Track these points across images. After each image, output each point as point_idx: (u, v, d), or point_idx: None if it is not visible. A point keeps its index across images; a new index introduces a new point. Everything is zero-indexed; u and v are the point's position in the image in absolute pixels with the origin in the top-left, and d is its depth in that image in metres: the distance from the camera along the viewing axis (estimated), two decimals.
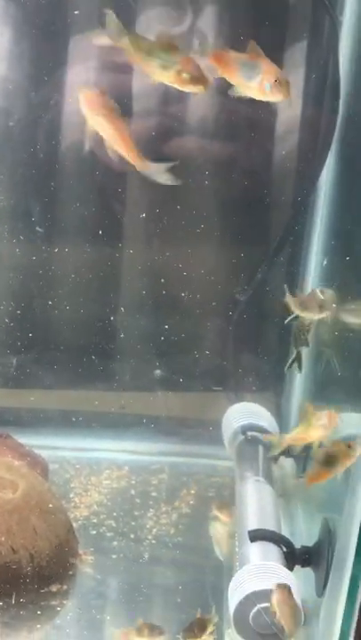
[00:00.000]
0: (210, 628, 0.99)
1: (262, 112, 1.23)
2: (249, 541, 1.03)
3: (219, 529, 1.21)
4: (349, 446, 0.92)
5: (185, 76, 0.83)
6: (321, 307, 1.01)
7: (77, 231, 1.32)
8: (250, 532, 1.04)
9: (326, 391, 1.24)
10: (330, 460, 0.94)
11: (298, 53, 1.20)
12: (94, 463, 1.34)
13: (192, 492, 1.28)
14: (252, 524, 1.06)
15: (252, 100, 0.87)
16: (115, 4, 1.17)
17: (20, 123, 1.26)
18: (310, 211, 1.28)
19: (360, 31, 1.12)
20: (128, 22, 1.18)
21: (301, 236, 1.30)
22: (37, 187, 1.29)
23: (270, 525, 1.06)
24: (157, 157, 1.23)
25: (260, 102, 0.87)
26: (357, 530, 0.91)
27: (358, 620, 0.94)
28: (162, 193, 1.26)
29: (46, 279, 1.33)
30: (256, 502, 1.12)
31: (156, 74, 0.85)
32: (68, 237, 1.32)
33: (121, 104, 1.19)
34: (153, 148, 1.23)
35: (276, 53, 1.19)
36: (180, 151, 1.25)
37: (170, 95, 1.23)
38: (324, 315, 1.02)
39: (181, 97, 1.23)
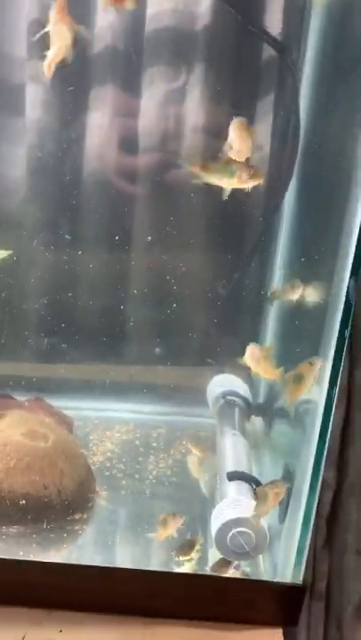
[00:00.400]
0: (197, 547, 1.02)
1: None
2: (227, 480, 1.05)
3: (194, 460, 1.23)
4: (311, 363, 0.94)
5: (245, 176, 0.90)
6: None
7: (96, 239, 1.33)
8: (228, 474, 1.06)
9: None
10: (298, 378, 0.96)
11: (267, 104, 1.22)
12: (108, 420, 1.36)
13: (184, 442, 1.29)
14: (230, 467, 1.09)
15: None
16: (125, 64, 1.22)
17: (50, 155, 1.28)
18: (277, 223, 1.29)
19: (316, 84, 1.13)
20: (134, 76, 1.24)
21: (270, 242, 1.32)
22: (64, 205, 1.30)
23: (244, 468, 1.09)
24: (158, 184, 1.28)
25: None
26: (311, 469, 0.94)
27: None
28: (161, 211, 1.29)
29: (71, 277, 1.34)
30: (233, 451, 1.14)
31: (226, 183, 0.92)
32: (88, 244, 1.33)
33: (130, 141, 1.24)
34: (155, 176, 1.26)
35: (249, 103, 1.23)
36: (176, 178, 1.26)
37: (168, 135, 1.25)
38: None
39: (178, 136, 1.25)
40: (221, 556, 1.00)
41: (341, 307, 0.85)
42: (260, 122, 1.22)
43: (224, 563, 1.00)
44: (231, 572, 1.00)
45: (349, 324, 0.85)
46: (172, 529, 1.02)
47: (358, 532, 1.22)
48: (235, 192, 0.95)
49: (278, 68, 1.17)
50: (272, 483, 0.98)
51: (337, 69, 1.06)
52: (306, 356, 0.95)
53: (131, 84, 1.23)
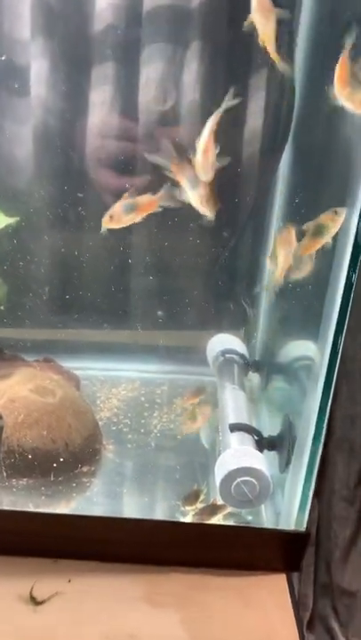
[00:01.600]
0: (201, 497, 0.89)
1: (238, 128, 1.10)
2: (229, 432, 0.91)
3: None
4: (336, 212, 0.75)
5: None
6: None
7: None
8: (230, 425, 0.91)
9: (282, 326, 1.11)
10: (319, 230, 0.77)
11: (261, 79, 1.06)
12: (114, 379, 1.21)
13: (185, 398, 1.14)
14: (231, 418, 0.94)
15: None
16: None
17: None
18: (271, 193, 1.14)
19: (313, 50, 0.97)
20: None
21: (264, 211, 1.16)
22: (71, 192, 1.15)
23: (245, 420, 0.94)
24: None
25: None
26: (316, 418, 0.80)
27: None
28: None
29: (87, 256, 1.19)
30: (233, 403, 0.99)
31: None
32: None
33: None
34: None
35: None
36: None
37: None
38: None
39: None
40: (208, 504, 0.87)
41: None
42: (256, 89, 1.06)
43: (212, 509, 0.87)
44: (233, 522, 0.87)
45: (357, 267, 0.69)
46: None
47: (345, 482, 1.11)
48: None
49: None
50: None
51: (332, 35, 0.90)
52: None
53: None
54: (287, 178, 1.08)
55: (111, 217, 0.88)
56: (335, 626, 1.14)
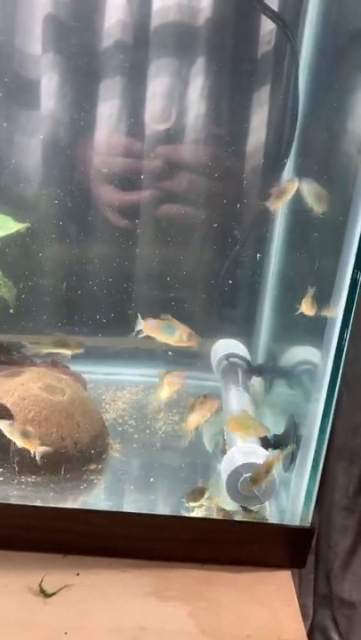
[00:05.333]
0: (207, 494, 0.89)
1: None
2: None
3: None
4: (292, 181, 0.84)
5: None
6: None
7: (109, 234, 1.20)
8: None
9: (285, 332, 1.12)
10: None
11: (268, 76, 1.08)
12: (119, 383, 1.21)
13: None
14: None
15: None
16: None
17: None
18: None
19: (315, 61, 0.99)
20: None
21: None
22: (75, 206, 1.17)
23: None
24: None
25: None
26: (320, 421, 0.81)
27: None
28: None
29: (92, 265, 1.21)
30: (238, 403, 1.00)
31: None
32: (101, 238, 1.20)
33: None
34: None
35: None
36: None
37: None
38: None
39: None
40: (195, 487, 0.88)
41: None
42: (262, 92, 1.08)
43: (198, 493, 0.88)
44: (241, 516, 0.87)
45: None
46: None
47: (345, 492, 1.12)
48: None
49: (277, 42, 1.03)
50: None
51: (335, 45, 0.92)
52: None
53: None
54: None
55: None
56: (335, 637, 1.13)
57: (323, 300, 0.82)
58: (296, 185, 0.88)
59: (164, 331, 0.90)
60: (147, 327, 0.90)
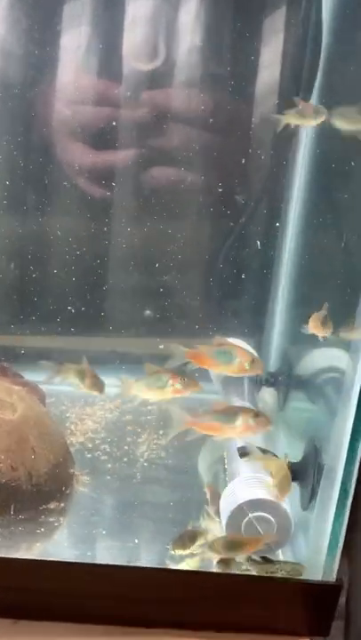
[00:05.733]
0: (200, 541, 0.89)
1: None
2: (238, 457, 0.92)
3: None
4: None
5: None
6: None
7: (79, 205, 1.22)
8: (239, 449, 0.94)
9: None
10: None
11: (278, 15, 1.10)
12: (88, 396, 1.21)
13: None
14: (240, 441, 0.95)
15: None
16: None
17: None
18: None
19: None
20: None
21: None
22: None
23: (257, 443, 0.95)
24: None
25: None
26: (347, 443, 0.80)
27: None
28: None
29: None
30: None
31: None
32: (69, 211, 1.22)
33: None
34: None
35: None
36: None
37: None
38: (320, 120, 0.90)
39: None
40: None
41: None
42: (275, 17, 1.09)
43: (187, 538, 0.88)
44: (243, 569, 0.87)
45: None
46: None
47: None
48: None
49: None
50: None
51: None
52: None
53: None
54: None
55: None
56: None
57: (353, 291, 0.82)
58: (323, 115, 0.89)
59: (218, 358, 0.88)
60: (194, 356, 0.88)
